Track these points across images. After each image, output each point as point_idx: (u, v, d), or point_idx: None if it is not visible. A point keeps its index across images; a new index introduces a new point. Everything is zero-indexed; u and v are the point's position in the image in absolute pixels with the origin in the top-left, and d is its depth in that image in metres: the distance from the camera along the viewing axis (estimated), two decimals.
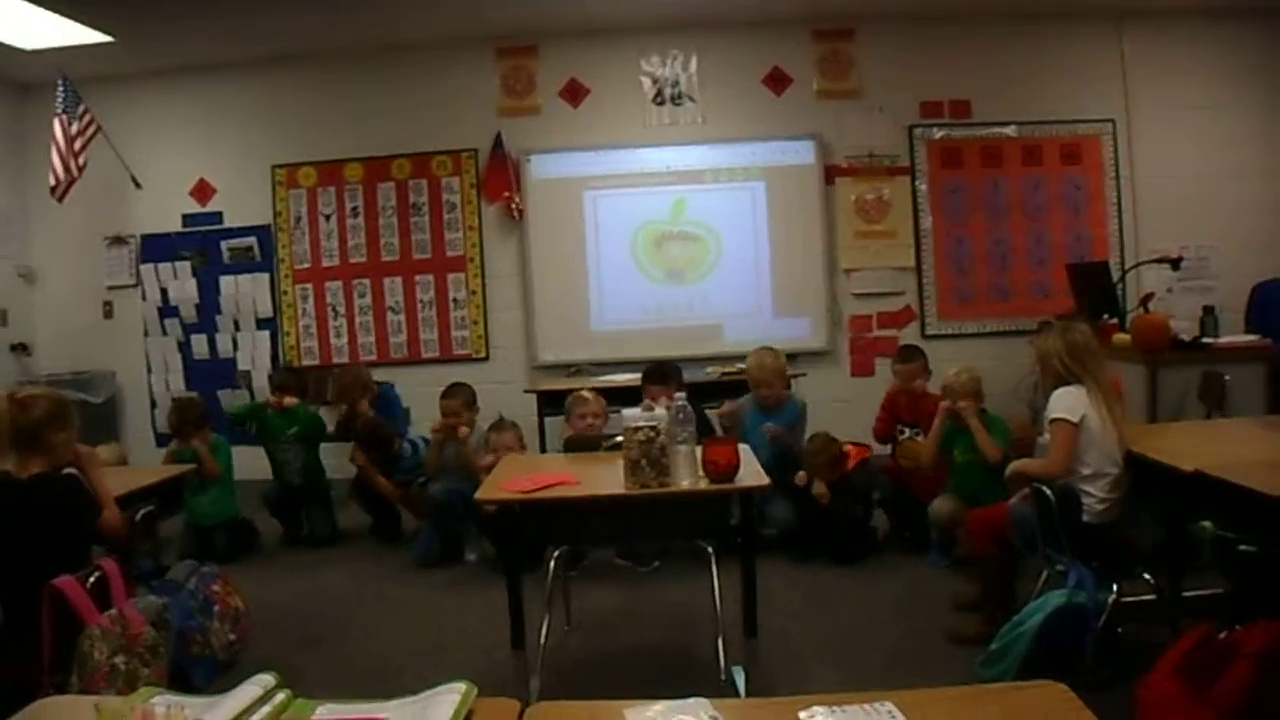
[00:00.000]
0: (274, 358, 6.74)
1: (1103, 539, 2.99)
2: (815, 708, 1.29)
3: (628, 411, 2.84)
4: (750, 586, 3.09)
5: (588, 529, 3.02)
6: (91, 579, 2.56)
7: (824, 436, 4.52)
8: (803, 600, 3.85)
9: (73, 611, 2.45)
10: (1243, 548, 2.59)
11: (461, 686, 1.34)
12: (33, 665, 2.39)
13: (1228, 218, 6.58)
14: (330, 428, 5.55)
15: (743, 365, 4.90)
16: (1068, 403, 3.08)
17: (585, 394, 4.33)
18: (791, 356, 6.10)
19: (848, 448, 4.55)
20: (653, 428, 2.73)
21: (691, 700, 1.33)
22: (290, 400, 5.23)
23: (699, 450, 2.83)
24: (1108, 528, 3.03)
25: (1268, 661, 2.10)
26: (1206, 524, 2.67)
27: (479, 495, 2.91)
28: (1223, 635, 2.27)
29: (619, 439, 2.94)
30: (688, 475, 2.78)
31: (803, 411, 4.77)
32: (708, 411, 4.98)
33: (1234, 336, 5.14)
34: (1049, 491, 3.00)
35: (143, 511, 3.44)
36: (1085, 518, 3.01)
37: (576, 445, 3.73)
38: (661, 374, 4.76)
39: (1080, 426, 3.04)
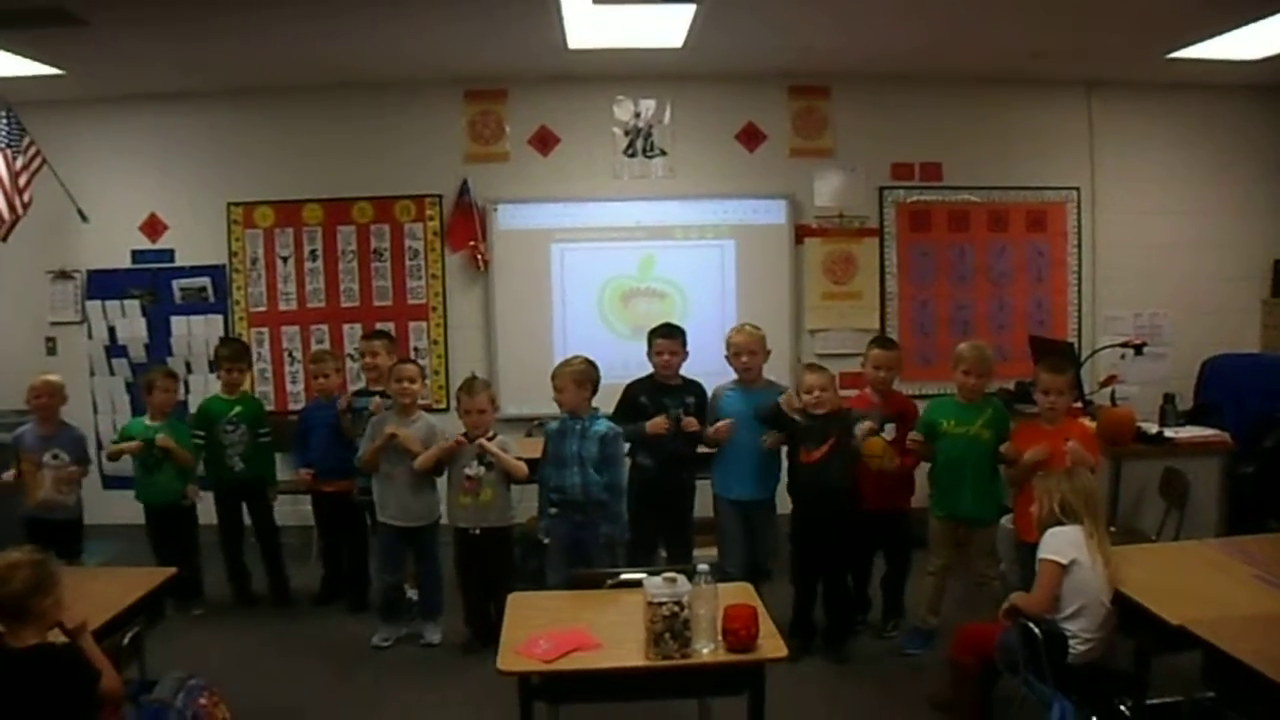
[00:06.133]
0: None
1: (1086, 675, 3.11)
2: None
3: (651, 582, 2.87)
4: None
5: (606, 688, 3.07)
6: None
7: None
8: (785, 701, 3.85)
9: None
10: None
11: None
12: None
13: (1181, 286, 6.78)
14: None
15: None
16: (1059, 544, 3.21)
17: None
18: None
19: None
20: (677, 603, 2.78)
21: None
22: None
23: (720, 613, 2.85)
24: (1092, 663, 3.14)
25: None
26: None
27: (502, 666, 2.85)
28: None
29: (624, 577, 3.18)
30: (708, 641, 2.84)
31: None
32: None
33: (1194, 430, 5.38)
34: (1036, 630, 3.10)
35: (130, 634, 3.35)
36: (1069, 658, 3.11)
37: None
38: (669, 330, 4.97)
39: (1069, 569, 3.15)
